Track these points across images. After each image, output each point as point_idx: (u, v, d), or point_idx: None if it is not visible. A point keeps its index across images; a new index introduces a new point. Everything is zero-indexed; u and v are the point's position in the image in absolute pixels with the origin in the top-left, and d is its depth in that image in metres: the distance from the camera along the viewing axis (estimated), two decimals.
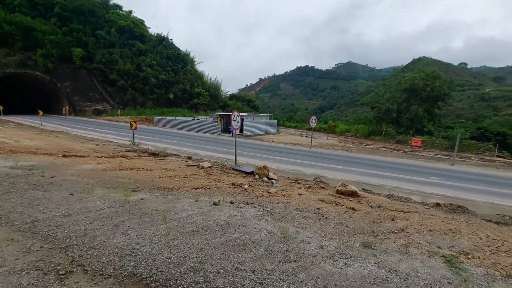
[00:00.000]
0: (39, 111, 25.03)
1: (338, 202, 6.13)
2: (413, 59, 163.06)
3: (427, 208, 6.99)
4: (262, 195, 5.93)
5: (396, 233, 4.46)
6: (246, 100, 60.99)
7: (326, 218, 4.75)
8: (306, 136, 35.35)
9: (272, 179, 8.00)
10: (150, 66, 48.12)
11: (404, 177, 12.26)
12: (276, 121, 38.65)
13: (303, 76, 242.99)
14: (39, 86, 42.38)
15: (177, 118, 38.73)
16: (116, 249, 2.79)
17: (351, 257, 3.18)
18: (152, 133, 24.61)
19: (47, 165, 7.43)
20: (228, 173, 8.46)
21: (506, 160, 26.61)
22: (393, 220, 5.37)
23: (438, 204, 7.26)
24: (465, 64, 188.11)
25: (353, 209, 5.81)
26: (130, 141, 16.62)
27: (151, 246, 2.93)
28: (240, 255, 2.89)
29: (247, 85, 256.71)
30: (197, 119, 37.86)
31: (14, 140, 12.19)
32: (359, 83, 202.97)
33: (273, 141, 24.81)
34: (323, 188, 7.41)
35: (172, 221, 3.79)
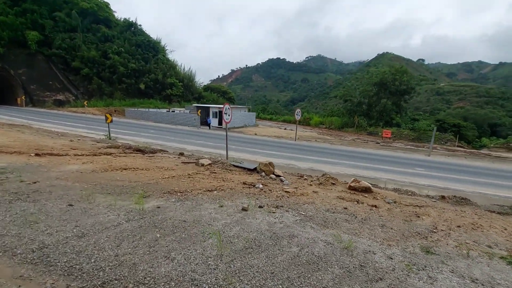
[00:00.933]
0: None
1: (358, 200, 5.92)
2: (378, 54, 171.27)
3: (434, 201, 7.08)
4: (283, 196, 5.51)
5: (435, 232, 4.32)
6: (221, 92, 59.57)
7: (363, 219, 4.48)
8: (285, 129, 35.42)
9: (279, 176, 7.60)
10: (118, 54, 44.63)
11: (393, 168, 12.58)
12: (254, 114, 38.16)
13: (275, 68, 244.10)
14: None
15: (151, 110, 36.56)
16: (173, 283, 2.20)
17: (425, 267, 2.90)
18: (126, 126, 22.85)
19: (21, 167, 6.28)
20: (231, 170, 7.89)
21: (466, 149, 28.96)
22: (418, 217, 5.27)
23: (443, 197, 7.41)
24: (423, 60, 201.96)
25: (375, 206, 5.63)
26: (105, 135, 15.16)
27: (212, 274, 2.37)
28: (319, 277, 2.46)
29: (219, 76, 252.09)
30: (172, 111, 36.03)
31: None
32: (328, 77, 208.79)
33: (255, 134, 24.38)
34: (333, 184, 7.18)
35: (212, 235, 3.22)
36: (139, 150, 10.43)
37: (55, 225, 3.18)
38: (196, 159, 9.36)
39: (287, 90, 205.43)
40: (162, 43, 54.28)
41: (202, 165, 7.91)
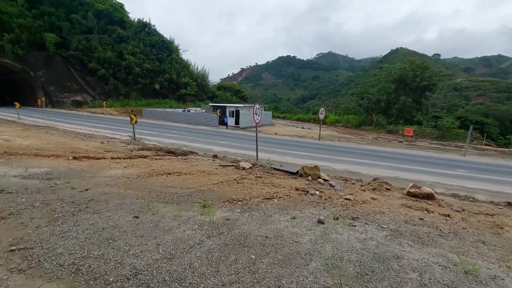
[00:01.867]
0: (15, 103, 22.27)
1: (427, 208, 5.41)
2: (391, 50, 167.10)
3: (501, 208, 6.49)
4: (346, 204, 5.06)
5: None
6: (234, 91, 59.32)
7: (452, 233, 3.99)
8: (303, 128, 34.82)
9: (326, 180, 7.15)
10: (133, 54, 44.94)
11: (433, 170, 11.91)
12: (270, 112, 37.69)
13: (285, 66, 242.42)
14: (9, 75, 38.22)
15: (167, 109, 36.62)
16: None
17: None
18: (146, 126, 22.80)
19: (66, 171, 6.06)
20: (273, 174, 7.49)
21: (497, 148, 27.65)
22: (501, 228, 4.73)
23: (509, 203, 6.79)
24: (439, 55, 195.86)
25: (448, 216, 5.12)
26: (130, 136, 15.07)
27: None
28: None
29: (229, 74, 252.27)
30: (188, 111, 36.00)
31: (2, 138, 10.35)
32: (340, 74, 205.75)
33: (276, 134, 23.92)
34: (388, 189, 6.68)
35: (310, 256, 2.82)
36: (171, 152, 10.16)
37: (134, 243, 2.85)
38: (232, 162, 9.02)
39: (298, 88, 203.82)
40: (175, 43, 54.45)
41: (243, 168, 7.54)
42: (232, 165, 8.10)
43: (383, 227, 3.90)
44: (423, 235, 3.72)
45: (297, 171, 7.68)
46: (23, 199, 4.04)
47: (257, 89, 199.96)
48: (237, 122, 30.16)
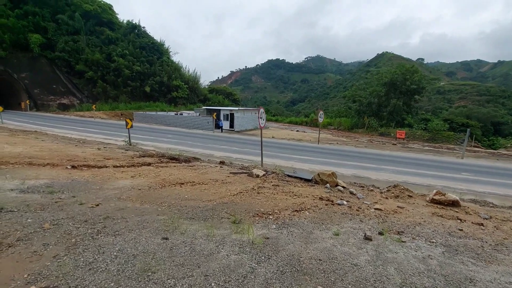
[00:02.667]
0: None
1: (457, 217, 5.19)
2: (377, 54, 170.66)
3: None
4: (380, 216, 4.75)
5: None
6: (226, 93, 58.83)
7: (501, 245, 3.75)
8: (297, 131, 34.74)
9: (345, 188, 6.87)
10: (122, 56, 43.76)
11: (437, 173, 11.89)
12: (265, 116, 37.32)
13: (274, 69, 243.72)
14: None
15: (159, 113, 35.79)
16: None
17: None
18: (140, 130, 22.00)
19: (67, 183, 5.51)
20: (288, 181, 7.15)
21: (487, 150, 28.27)
22: None
23: None
24: (422, 59, 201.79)
25: (481, 224, 4.91)
26: (125, 141, 14.41)
27: None
28: None
29: (218, 77, 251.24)
30: (180, 114, 35.27)
31: None
32: (328, 77, 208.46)
33: (273, 137, 23.62)
34: (410, 196, 6.45)
35: (381, 284, 2.48)
36: (174, 159, 9.66)
37: (177, 274, 2.42)
38: (241, 168, 8.62)
39: (287, 90, 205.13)
40: (166, 45, 53.52)
41: (257, 176, 7.16)
42: (243, 172, 7.69)
43: (432, 242, 3.61)
44: (478, 250, 3.46)
45: (312, 177, 7.37)
46: (28, 219, 3.52)
47: (247, 92, 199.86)
48: (231, 125, 29.71)
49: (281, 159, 13.00)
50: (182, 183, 5.95)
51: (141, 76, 45.44)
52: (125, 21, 50.33)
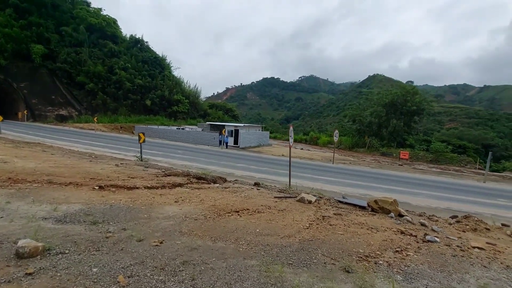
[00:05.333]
0: None
1: None
2: (369, 75, 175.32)
3: None
4: (493, 257, 4.06)
5: None
6: (226, 109, 58.60)
7: None
8: (302, 149, 34.27)
9: (404, 215, 6.20)
10: (124, 69, 43.31)
11: (475, 199, 11.35)
12: (268, 132, 36.94)
13: (269, 87, 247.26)
14: None
15: (160, 127, 34.94)
16: None
17: None
18: (147, 145, 21.05)
19: (106, 209, 4.68)
20: (341, 208, 6.45)
21: (497, 174, 28.09)
22: None
23: None
24: (412, 82, 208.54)
25: None
26: (136, 156, 13.56)
27: None
28: None
29: (214, 93, 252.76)
30: (182, 129, 34.52)
31: None
32: (321, 96, 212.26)
33: (282, 155, 22.97)
34: (488, 230, 5.80)
35: None
36: (201, 178, 8.85)
37: None
38: (280, 191, 7.88)
39: (281, 108, 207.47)
40: (167, 60, 53.48)
41: (309, 202, 6.44)
42: (289, 197, 6.96)
43: None
44: None
45: (367, 204, 6.68)
46: (93, 268, 2.71)
47: (242, 108, 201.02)
48: (236, 141, 29.06)
49: (304, 179, 12.30)
50: (237, 211, 5.17)
51: (142, 89, 44.88)
52: (128, 36, 50.44)
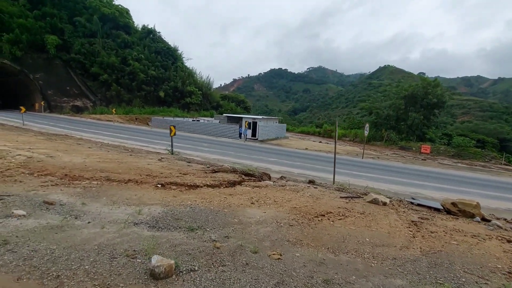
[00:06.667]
0: (21, 107, 19.87)
1: None
2: (379, 66, 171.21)
3: None
4: None
5: None
6: (238, 101, 58.00)
7: None
8: (320, 142, 33.67)
9: (493, 221, 5.74)
10: (138, 60, 42.88)
11: None
12: (285, 125, 36.36)
13: (276, 78, 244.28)
14: (5, 77, 35.17)
15: (177, 118, 34.68)
16: None
17: None
18: (167, 137, 20.80)
19: (188, 212, 4.34)
20: (416, 210, 6.02)
21: None
22: None
23: None
24: (423, 73, 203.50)
25: None
26: (168, 150, 13.26)
27: None
28: None
29: (220, 85, 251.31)
30: (197, 120, 34.21)
31: (39, 152, 8.32)
32: (329, 88, 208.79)
33: (306, 148, 22.50)
34: None
35: None
36: (249, 175, 8.48)
37: None
38: (338, 189, 7.46)
39: (289, 100, 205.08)
40: (179, 51, 52.78)
41: (384, 204, 6.01)
42: (356, 197, 6.54)
43: None
44: None
45: (443, 206, 6.24)
46: None
47: (249, 100, 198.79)
48: (254, 134, 28.62)
49: (342, 175, 11.80)
50: (322, 215, 4.79)
51: (156, 80, 44.50)
52: (140, 26, 49.79)
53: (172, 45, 51.43)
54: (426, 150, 32.10)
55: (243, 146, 19.95)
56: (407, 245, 3.73)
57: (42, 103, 33.41)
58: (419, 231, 4.37)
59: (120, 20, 44.85)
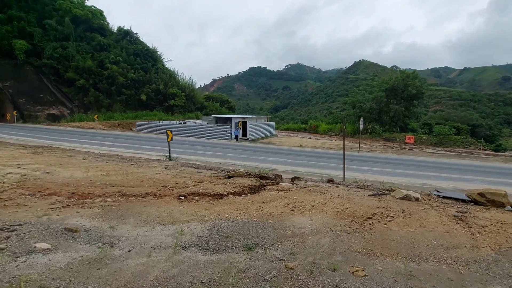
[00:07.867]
0: None
1: None
2: (355, 61, 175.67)
3: None
4: None
5: None
6: (222, 101, 57.19)
7: None
8: (310, 138, 33.84)
9: None
10: (116, 63, 40.95)
11: None
12: (273, 123, 36.23)
13: (256, 77, 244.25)
14: None
15: (163, 122, 33.50)
16: None
17: None
18: (157, 142, 19.96)
19: (233, 227, 3.95)
20: (446, 203, 5.96)
21: (504, 154, 28.63)
22: None
23: None
24: (396, 66, 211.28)
25: None
26: (165, 156, 12.63)
27: None
28: None
29: (200, 85, 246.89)
30: (184, 123, 33.27)
31: (32, 168, 7.48)
32: (308, 84, 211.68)
33: (301, 146, 22.43)
34: None
35: None
36: (264, 178, 8.14)
37: None
38: (360, 187, 7.30)
39: (269, 98, 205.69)
40: (159, 52, 51.10)
41: (416, 199, 5.90)
42: (382, 194, 6.39)
43: None
44: None
45: (469, 197, 6.23)
46: None
47: (230, 99, 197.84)
48: (244, 134, 28.25)
49: (348, 170, 11.76)
50: (369, 217, 4.55)
51: (136, 84, 42.79)
52: (115, 28, 47.62)
53: (150, 46, 49.72)
54: (410, 140, 33.06)
55: (238, 147, 19.52)
56: (474, 244, 3.56)
57: (14, 113, 31.03)
58: (471, 227, 4.25)
59: (94, 22, 42.64)
